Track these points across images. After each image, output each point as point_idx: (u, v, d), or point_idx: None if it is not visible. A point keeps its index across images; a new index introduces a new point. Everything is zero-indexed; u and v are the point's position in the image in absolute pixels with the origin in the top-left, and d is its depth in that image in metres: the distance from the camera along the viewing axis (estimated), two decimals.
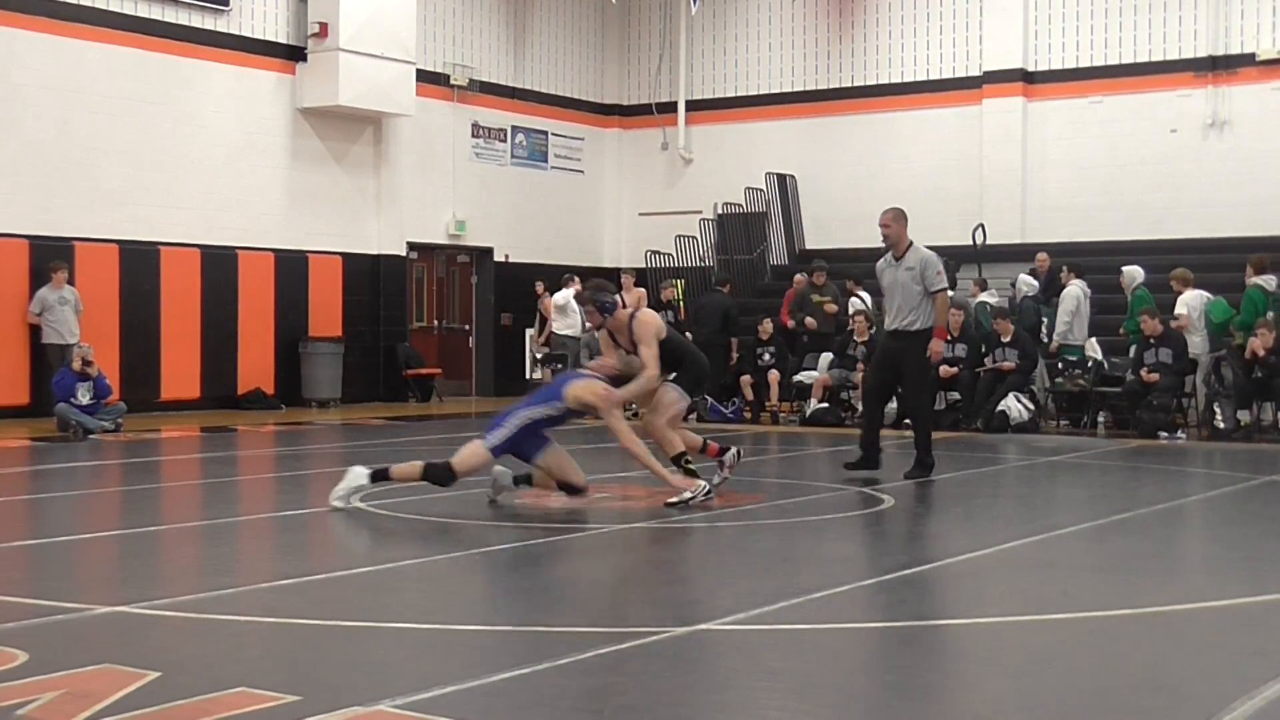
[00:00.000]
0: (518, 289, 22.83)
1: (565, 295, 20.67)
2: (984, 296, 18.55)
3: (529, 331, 22.05)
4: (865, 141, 23.41)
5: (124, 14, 18.54)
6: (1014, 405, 16.20)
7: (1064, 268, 18.07)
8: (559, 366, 19.96)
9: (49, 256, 17.21)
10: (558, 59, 24.89)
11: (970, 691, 5.01)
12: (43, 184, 17.70)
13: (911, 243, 11.52)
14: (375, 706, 4.57)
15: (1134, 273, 17.38)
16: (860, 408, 17.37)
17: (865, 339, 17.78)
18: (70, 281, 17.16)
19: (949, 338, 11.96)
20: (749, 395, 18.23)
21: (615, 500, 9.95)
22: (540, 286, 22.14)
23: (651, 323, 9.89)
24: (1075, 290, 17.51)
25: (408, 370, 21.96)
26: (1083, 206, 21.62)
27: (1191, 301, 16.55)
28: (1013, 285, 18.81)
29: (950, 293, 12.03)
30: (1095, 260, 18.54)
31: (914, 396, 11.67)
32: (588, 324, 19.10)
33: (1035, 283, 18.77)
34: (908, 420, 12.74)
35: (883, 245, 11.68)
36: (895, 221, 11.52)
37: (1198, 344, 16.18)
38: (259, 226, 20.03)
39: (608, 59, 25.76)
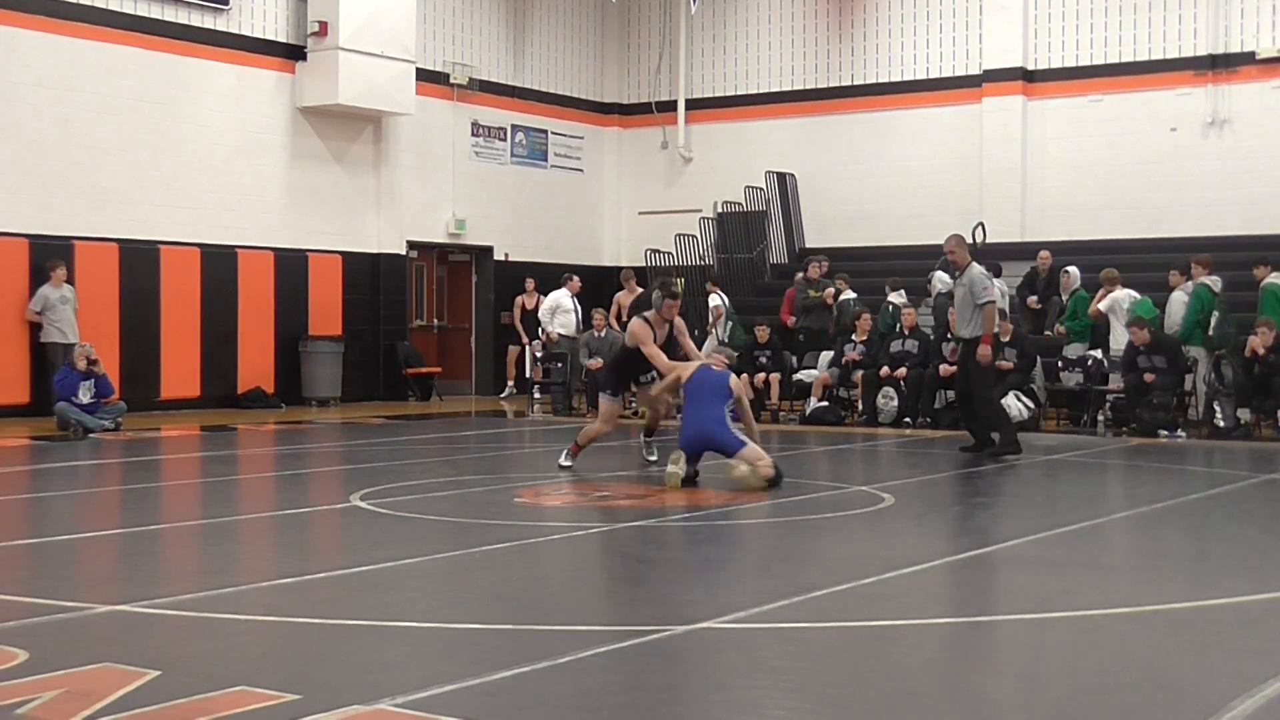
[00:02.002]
0: (518, 288, 22.79)
1: (561, 295, 20.59)
2: (892, 297, 18.61)
3: (528, 346, 21.82)
4: (865, 140, 23.40)
5: (124, 13, 18.52)
6: (1014, 404, 16.18)
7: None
8: (559, 365, 19.96)
9: (49, 256, 17.19)
10: (557, 58, 24.88)
11: (970, 691, 5.01)
12: (43, 184, 17.69)
13: (971, 262, 13.37)
14: (375, 705, 4.57)
15: (1074, 274, 18.07)
16: (861, 405, 17.47)
17: (865, 338, 17.76)
18: (69, 281, 17.16)
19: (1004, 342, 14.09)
20: (749, 394, 18.21)
21: (615, 500, 9.95)
22: (531, 284, 21.95)
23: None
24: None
25: (407, 369, 21.96)
26: (1082, 205, 21.62)
27: (1119, 299, 16.84)
28: (929, 282, 19.03)
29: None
30: (1096, 260, 18.52)
31: (980, 392, 13.46)
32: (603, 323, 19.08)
33: (949, 279, 19.10)
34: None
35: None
36: (959, 246, 13.44)
37: (1121, 340, 16.43)
38: (259, 225, 20.02)
39: (607, 58, 25.75)
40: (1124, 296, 16.90)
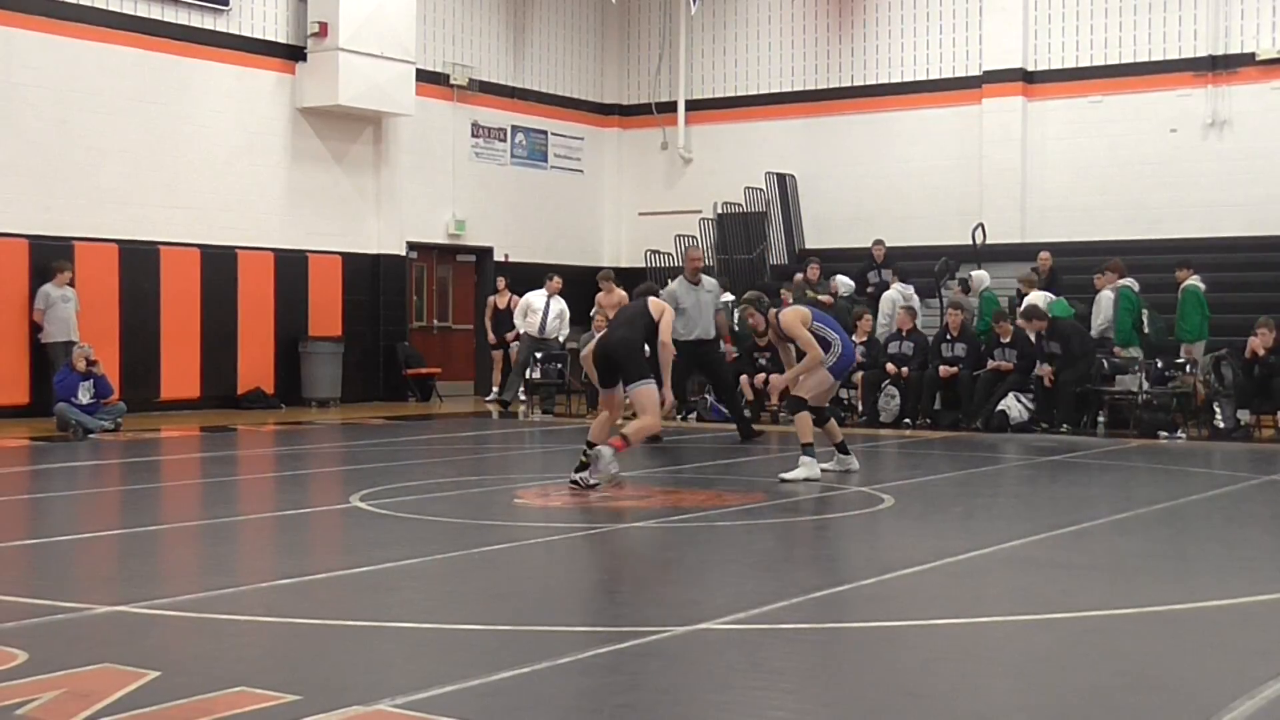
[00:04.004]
0: (518, 289, 22.76)
1: (535, 295, 20.28)
2: (822, 299, 18.82)
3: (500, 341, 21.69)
4: (865, 141, 23.41)
5: (123, 14, 18.53)
6: (1014, 405, 16.20)
7: (892, 271, 19.22)
8: (559, 366, 19.92)
9: (49, 256, 17.21)
10: (557, 59, 24.89)
11: (970, 691, 5.01)
12: (43, 184, 17.70)
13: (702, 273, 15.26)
14: (375, 706, 4.57)
15: (982, 277, 18.78)
16: (861, 406, 17.48)
17: (865, 339, 17.75)
18: (71, 283, 17.15)
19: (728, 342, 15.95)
20: (749, 395, 18.21)
21: (615, 501, 9.94)
22: (502, 283, 21.79)
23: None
24: (893, 294, 18.68)
25: (407, 370, 21.96)
26: (1082, 206, 21.62)
27: (1035, 301, 17.21)
28: (831, 283, 19.39)
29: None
30: (1094, 260, 18.51)
31: (729, 387, 15.55)
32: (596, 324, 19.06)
33: (851, 283, 19.81)
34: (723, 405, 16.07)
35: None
36: (701, 256, 15.73)
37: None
38: (259, 226, 20.03)
39: (607, 59, 25.76)
40: (1039, 299, 17.35)
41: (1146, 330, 16.61)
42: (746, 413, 15.84)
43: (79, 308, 17.10)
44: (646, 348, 10.69)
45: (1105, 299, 16.88)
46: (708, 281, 15.01)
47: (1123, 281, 16.78)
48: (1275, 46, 20.64)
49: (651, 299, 10.86)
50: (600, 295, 20.32)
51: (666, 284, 21.62)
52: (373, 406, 20.58)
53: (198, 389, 19.20)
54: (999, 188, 22.17)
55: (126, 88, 18.52)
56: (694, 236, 23.20)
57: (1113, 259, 17.35)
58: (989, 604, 6.62)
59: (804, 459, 11.03)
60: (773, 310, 11.67)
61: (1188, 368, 15.97)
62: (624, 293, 20.65)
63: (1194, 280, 16.69)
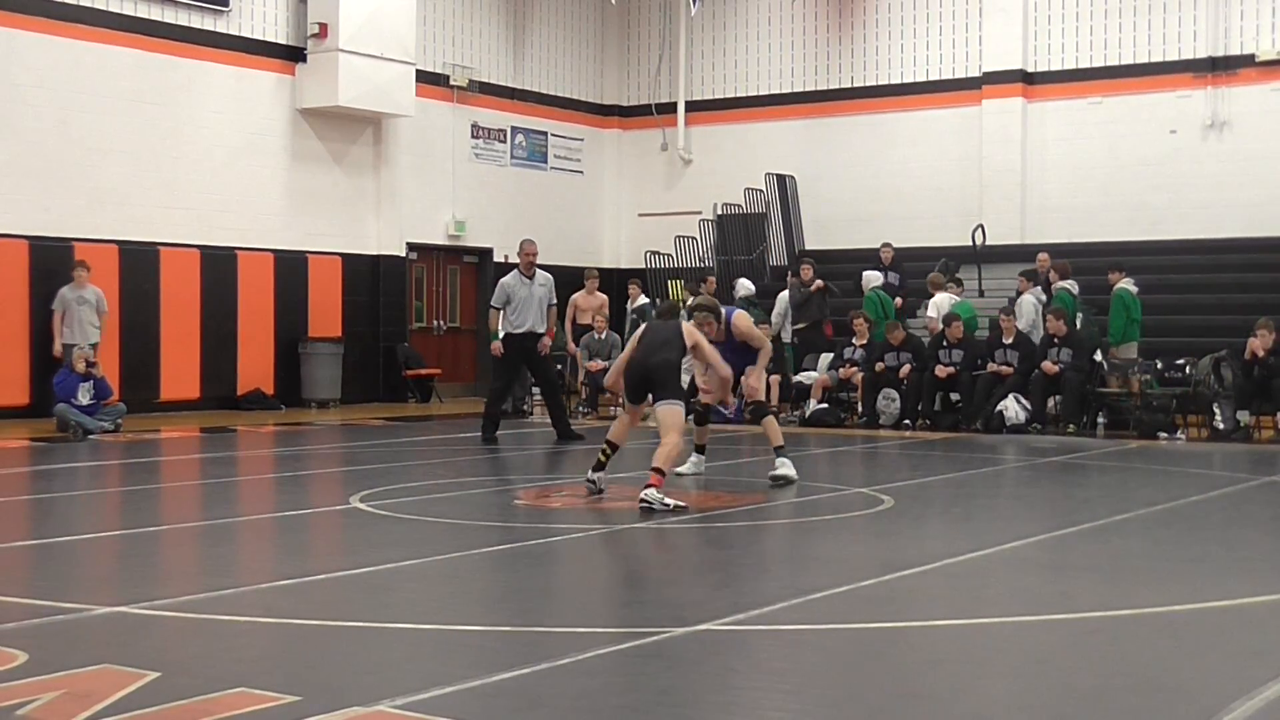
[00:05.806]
0: None
1: None
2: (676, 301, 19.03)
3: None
4: (865, 142, 23.41)
5: (123, 14, 18.54)
6: (1013, 406, 16.19)
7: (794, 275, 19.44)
8: (558, 367, 19.88)
9: (49, 256, 17.22)
10: (557, 59, 24.89)
11: (970, 691, 5.01)
12: (43, 184, 17.69)
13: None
14: (375, 706, 4.57)
15: (871, 276, 18.96)
16: (860, 407, 17.48)
17: (865, 341, 17.76)
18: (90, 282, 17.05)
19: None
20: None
21: (615, 502, 9.94)
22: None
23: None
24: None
25: (407, 371, 21.95)
26: (1082, 207, 21.63)
27: (940, 304, 17.65)
28: (733, 287, 19.52)
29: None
30: (1095, 261, 18.52)
31: (553, 385, 15.40)
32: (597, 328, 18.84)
33: (752, 286, 19.81)
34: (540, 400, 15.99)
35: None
36: (536, 251, 15.37)
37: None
38: (259, 227, 20.03)
39: (607, 59, 25.76)
40: (944, 300, 17.68)
41: (1078, 329, 16.76)
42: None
43: (104, 308, 16.95)
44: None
45: (1026, 303, 17.23)
46: (541, 276, 15.25)
47: (1063, 284, 17.00)
48: (1275, 48, 20.64)
49: (686, 325, 10.40)
50: (579, 295, 20.14)
51: (668, 287, 21.67)
52: (372, 407, 20.58)
53: (197, 390, 19.20)
54: (999, 189, 22.17)
55: (126, 88, 18.52)
56: (693, 238, 23.22)
57: (1061, 261, 17.60)
58: (989, 605, 6.62)
59: (779, 460, 10.92)
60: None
61: (1110, 370, 16.27)
62: (604, 296, 20.57)
63: (1125, 284, 16.74)
